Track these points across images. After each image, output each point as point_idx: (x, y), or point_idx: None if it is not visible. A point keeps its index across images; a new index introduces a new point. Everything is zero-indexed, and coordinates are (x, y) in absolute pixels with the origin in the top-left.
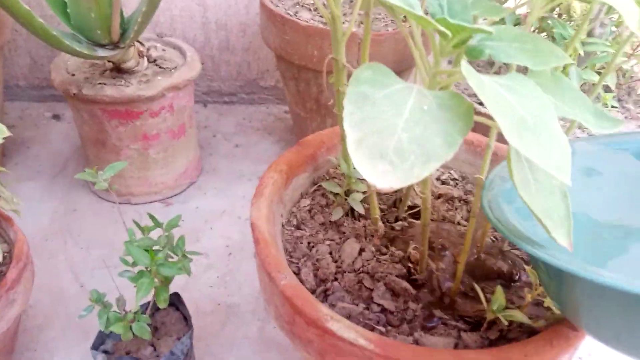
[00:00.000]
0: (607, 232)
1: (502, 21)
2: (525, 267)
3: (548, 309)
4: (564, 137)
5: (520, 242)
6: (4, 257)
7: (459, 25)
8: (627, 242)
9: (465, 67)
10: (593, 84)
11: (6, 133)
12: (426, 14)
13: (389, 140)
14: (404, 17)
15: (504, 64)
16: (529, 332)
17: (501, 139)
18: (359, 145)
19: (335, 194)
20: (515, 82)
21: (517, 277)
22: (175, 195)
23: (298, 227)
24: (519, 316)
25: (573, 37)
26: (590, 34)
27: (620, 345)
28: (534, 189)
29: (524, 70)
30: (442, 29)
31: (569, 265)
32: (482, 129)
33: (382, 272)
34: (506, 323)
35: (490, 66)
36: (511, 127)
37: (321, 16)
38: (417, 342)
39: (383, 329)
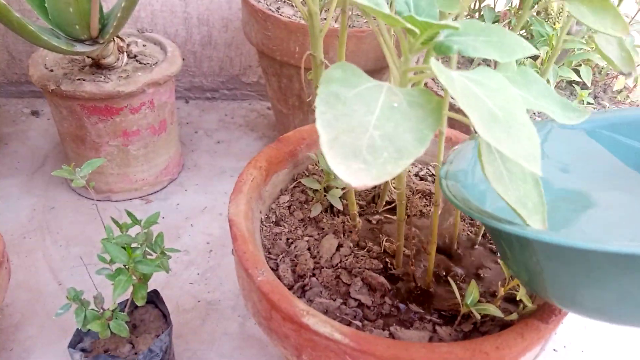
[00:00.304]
0: (564, 204)
1: (481, 18)
2: (500, 262)
3: (520, 302)
4: (532, 128)
5: (477, 215)
6: None
7: (425, 22)
8: (581, 212)
9: (434, 63)
10: (571, 82)
11: None
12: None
13: (362, 138)
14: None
15: (483, 60)
16: (502, 326)
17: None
18: (332, 144)
19: (315, 191)
20: (484, 76)
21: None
22: (156, 192)
23: (277, 224)
24: (492, 309)
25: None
26: (567, 32)
27: (583, 309)
28: (507, 180)
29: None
30: (409, 26)
31: (524, 231)
32: (462, 125)
33: (359, 268)
34: (479, 317)
35: (470, 63)
36: (481, 120)
37: None
38: (392, 335)
39: (359, 324)
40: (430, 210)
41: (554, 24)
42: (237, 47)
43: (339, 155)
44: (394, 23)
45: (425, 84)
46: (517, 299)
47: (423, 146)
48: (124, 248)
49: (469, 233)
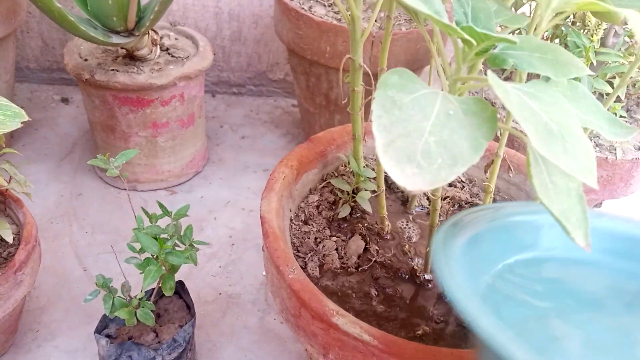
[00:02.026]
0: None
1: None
2: None
3: None
4: (588, 142)
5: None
6: (13, 239)
7: (484, 34)
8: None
9: (491, 75)
10: (606, 94)
11: (25, 117)
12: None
13: (417, 143)
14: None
15: (511, 72)
16: None
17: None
18: (387, 148)
19: (344, 192)
20: (538, 90)
21: None
22: (180, 184)
23: (306, 222)
24: None
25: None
26: (603, 44)
27: None
28: (552, 193)
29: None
30: (467, 37)
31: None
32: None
33: (385, 270)
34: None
35: (501, 72)
36: (537, 133)
37: (335, 12)
38: (419, 339)
39: (385, 326)
40: None
41: (592, 35)
42: (266, 44)
43: (393, 159)
44: (452, 32)
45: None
46: None
47: (478, 154)
48: (155, 238)
49: None
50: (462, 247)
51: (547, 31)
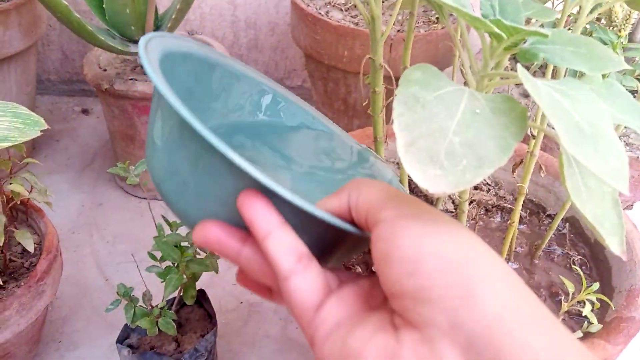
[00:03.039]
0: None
1: (540, 26)
2: (562, 277)
3: (585, 321)
4: (620, 145)
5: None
6: (34, 249)
7: (513, 27)
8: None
9: (521, 70)
10: (637, 91)
11: (44, 126)
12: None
13: (441, 143)
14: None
15: (539, 67)
16: None
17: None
18: (409, 148)
19: None
20: (569, 87)
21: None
22: None
23: None
24: None
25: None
26: (631, 39)
27: (168, 189)
28: (585, 196)
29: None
30: (496, 30)
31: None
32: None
33: None
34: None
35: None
36: (567, 133)
37: (352, 16)
38: None
39: None
40: (486, 220)
41: (619, 31)
42: (283, 51)
43: (415, 160)
44: (480, 26)
45: None
46: (583, 314)
47: (506, 155)
48: (175, 246)
49: (528, 245)
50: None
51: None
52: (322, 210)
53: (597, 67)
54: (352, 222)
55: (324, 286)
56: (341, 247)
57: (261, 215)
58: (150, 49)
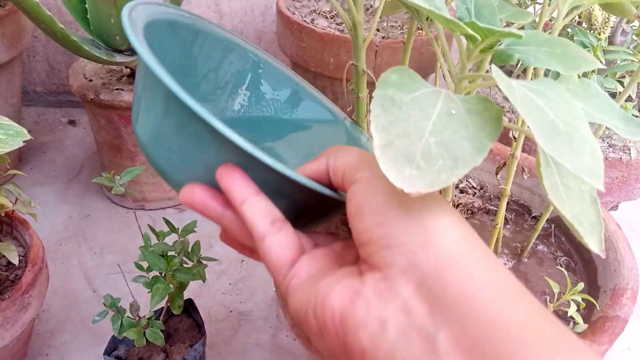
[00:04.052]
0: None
1: (521, 28)
2: (547, 278)
3: (570, 321)
4: (595, 142)
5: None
6: (19, 261)
7: (488, 29)
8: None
9: (495, 70)
10: (618, 92)
11: (27, 136)
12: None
13: (417, 144)
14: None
15: (522, 71)
16: None
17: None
18: (385, 149)
19: None
20: (545, 87)
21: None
22: None
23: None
24: None
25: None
26: (610, 42)
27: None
28: (564, 195)
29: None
30: (470, 32)
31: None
32: (500, 137)
33: None
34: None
35: (509, 74)
36: (542, 131)
37: (338, 24)
38: None
39: None
40: (475, 222)
41: (599, 34)
42: None
43: (391, 160)
44: (455, 28)
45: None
46: (568, 315)
47: (481, 156)
48: (162, 256)
49: (514, 246)
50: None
51: (549, 32)
52: (302, 175)
53: (572, 67)
54: (330, 185)
55: (297, 245)
56: (319, 210)
57: (238, 185)
58: (135, 16)
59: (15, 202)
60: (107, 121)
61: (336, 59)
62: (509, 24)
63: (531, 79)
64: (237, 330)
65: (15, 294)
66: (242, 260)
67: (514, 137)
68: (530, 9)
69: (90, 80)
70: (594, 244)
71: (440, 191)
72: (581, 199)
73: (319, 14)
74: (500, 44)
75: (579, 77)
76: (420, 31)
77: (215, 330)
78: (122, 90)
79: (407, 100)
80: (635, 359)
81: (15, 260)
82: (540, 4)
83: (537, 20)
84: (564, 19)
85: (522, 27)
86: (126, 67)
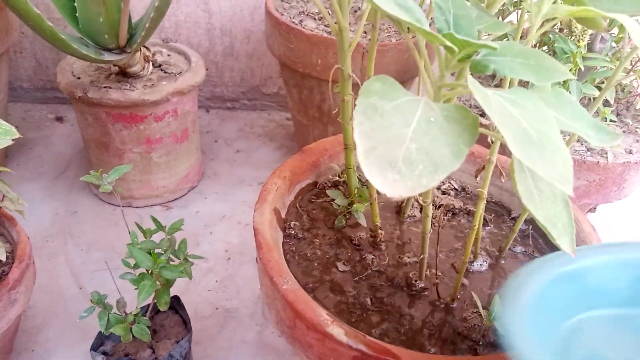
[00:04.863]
0: None
1: (504, 36)
2: None
3: None
4: (566, 150)
5: None
6: (7, 257)
7: (464, 41)
8: None
9: (471, 81)
10: (593, 98)
11: (16, 134)
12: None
13: (398, 150)
14: (408, 28)
15: (501, 79)
16: None
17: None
18: (369, 154)
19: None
20: (519, 96)
21: None
22: (176, 199)
23: (301, 233)
24: None
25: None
26: (590, 49)
27: None
28: (537, 199)
29: (524, 84)
30: (448, 44)
31: None
32: (481, 140)
33: (380, 280)
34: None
35: (491, 79)
36: (515, 139)
37: (326, 25)
38: (414, 347)
39: (380, 335)
40: (452, 224)
41: (578, 41)
42: (258, 59)
43: (374, 165)
44: (433, 40)
45: None
46: None
47: (459, 161)
48: (149, 253)
49: (493, 246)
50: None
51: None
52: None
53: (545, 78)
54: None
55: None
56: None
57: None
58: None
59: (3, 199)
60: (95, 119)
61: (324, 60)
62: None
63: (509, 86)
64: (223, 327)
65: (2, 290)
66: (229, 259)
67: (492, 142)
68: (514, 16)
69: (79, 78)
70: (566, 245)
71: (420, 194)
72: (554, 202)
73: (307, 15)
74: (477, 55)
75: (553, 85)
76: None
77: (201, 327)
78: (110, 88)
79: (388, 108)
80: None
81: (2, 257)
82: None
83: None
84: (538, 29)
85: (505, 35)
86: (114, 65)
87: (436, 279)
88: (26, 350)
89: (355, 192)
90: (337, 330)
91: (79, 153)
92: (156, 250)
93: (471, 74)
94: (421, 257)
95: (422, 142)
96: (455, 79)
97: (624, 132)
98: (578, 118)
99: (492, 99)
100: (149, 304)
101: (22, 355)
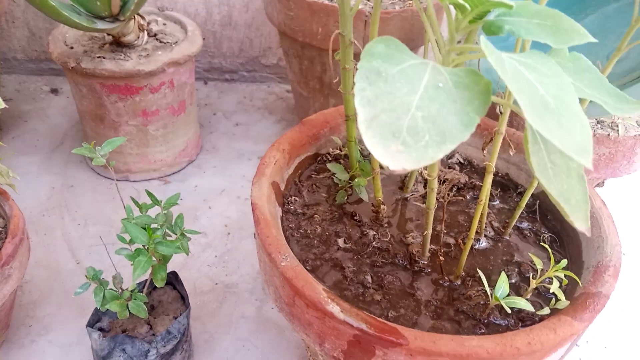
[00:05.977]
0: None
1: None
2: (530, 255)
3: (552, 297)
4: (585, 119)
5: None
6: None
7: None
8: None
9: (484, 42)
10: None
11: (1, 104)
12: None
13: (403, 118)
14: None
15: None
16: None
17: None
18: (371, 123)
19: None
20: (535, 60)
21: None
22: (174, 173)
23: (301, 208)
24: (523, 303)
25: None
26: None
27: None
28: (551, 172)
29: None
30: (460, 1)
31: None
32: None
33: (382, 256)
34: (509, 310)
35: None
36: (532, 107)
37: None
38: (416, 326)
39: (381, 313)
40: (457, 199)
41: None
42: (257, 28)
43: (377, 135)
44: None
45: None
46: (550, 291)
47: (469, 130)
48: (144, 228)
49: (500, 222)
50: None
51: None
52: None
53: (563, 40)
54: None
55: None
56: None
57: None
58: None
59: None
60: (89, 90)
61: (325, 29)
62: None
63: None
64: (223, 303)
65: None
66: (228, 233)
67: (501, 112)
68: None
69: (72, 48)
70: (580, 222)
71: (425, 167)
72: (568, 176)
73: None
74: (489, 15)
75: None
76: (411, 2)
77: (200, 303)
78: (104, 58)
79: (393, 73)
80: (611, 356)
81: None
82: None
83: None
84: None
85: None
86: (108, 34)
87: (440, 255)
88: (23, 325)
89: (357, 165)
90: (337, 308)
91: (74, 126)
92: (152, 226)
93: (482, 37)
94: (425, 233)
95: (429, 109)
96: (464, 43)
97: None
98: (596, 85)
99: (507, 63)
100: (145, 280)
101: (19, 330)
